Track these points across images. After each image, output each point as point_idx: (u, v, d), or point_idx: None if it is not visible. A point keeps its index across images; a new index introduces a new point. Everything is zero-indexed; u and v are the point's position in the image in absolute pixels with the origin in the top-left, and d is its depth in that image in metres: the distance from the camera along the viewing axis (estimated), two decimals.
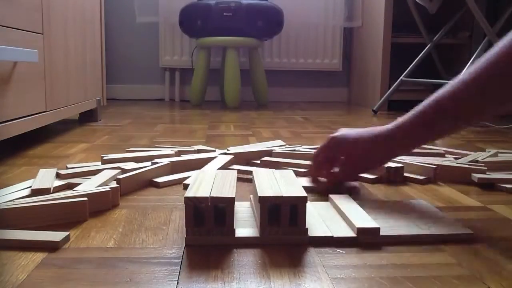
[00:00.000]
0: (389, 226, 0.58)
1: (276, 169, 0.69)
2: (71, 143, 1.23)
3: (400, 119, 0.70)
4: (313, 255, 0.52)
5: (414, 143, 0.71)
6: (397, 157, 0.98)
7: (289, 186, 0.58)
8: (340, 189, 0.76)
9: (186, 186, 0.79)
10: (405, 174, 0.88)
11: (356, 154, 0.75)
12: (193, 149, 1.07)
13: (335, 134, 0.77)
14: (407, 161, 0.94)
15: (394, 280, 0.47)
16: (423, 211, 0.63)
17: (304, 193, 0.55)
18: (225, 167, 0.92)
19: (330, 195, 0.69)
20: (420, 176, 0.87)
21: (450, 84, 0.64)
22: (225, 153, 1.00)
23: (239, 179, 0.85)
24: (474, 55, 1.88)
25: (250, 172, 0.85)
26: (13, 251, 0.52)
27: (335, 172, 0.78)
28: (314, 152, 0.80)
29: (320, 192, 0.77)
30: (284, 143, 1.18)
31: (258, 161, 0.99)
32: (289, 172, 0.66)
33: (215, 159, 0.96)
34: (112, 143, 1.24)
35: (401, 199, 0.74)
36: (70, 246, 0.55)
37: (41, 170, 0.85)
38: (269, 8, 2.35)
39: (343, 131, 0.77)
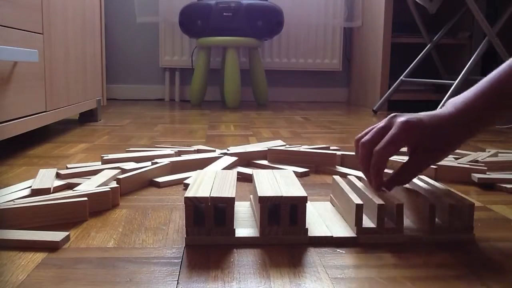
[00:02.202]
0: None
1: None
2: (71, 143, 1.23)
3: (461, 100, 0.61)
4: (313, 255, 0.52)
5: (484, 125, 0.61)
6: (398, 157, 0.98)
7: (289, 186, 0.58)
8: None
9: (186, 186, 0.79)
10: None
11: (430, 150, 0.61)
12: (193, 149, 1.07)
13: (396, 115, 0.62)
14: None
15: (394, 280, 0.47)
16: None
17: (304, 193, 0.55)
18: (229, 168, 0.92)
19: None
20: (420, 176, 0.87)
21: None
22: (225, 153, 1.00)
23: (239, 179, 0.85)
24: (474, 55, 1.88)
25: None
26: (13, 251, 0.52)
27: (399, 170, 0.63)
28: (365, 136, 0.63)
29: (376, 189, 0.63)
30: (284, 143, 1.18)
31: (262, 161, 0.99)
32: (289, 172, 0.66)
33: (219, 160, 0.96)
34: (112, 143, 1.24)
35: None
36: (70, 246, 0.55)
37: (41, 170, 0.85)
38: (269, 8, 2.35)
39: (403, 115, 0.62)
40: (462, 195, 0.57)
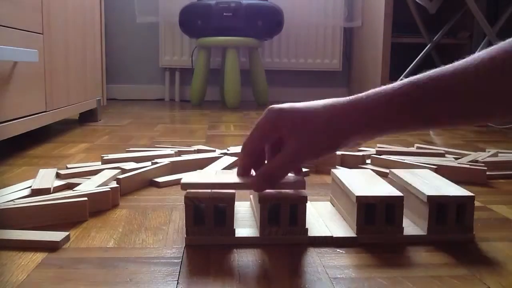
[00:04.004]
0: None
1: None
2: (71, 143, 1.23)
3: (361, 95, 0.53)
4: (313, 255, 0.52)
5: (383, 124, 0.51)
6: (398, 157, 0.98)
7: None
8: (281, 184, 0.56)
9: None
10: None
11: (306, 130, 0.53)
12: (193, 149, 1.07)
13: (273, 106, 0.55)
14: (407, 161, 0.94)
15: (394, 280, 0.47)
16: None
17: (304, 193, 0.55)
18: (229, 168, 0.92)
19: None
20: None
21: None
22: (225, 153, 1.00)
23: None
24: None
25: None
26: (13, 251, 0.52)
27: (271, 161, 0.56)
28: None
29: (250, 188, 0.58)
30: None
31: None
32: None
33: (220, 159, 0.96)
34: (112, 143, 1.24)
35: None
36: (70, 246, 0.55)
37: (41, 170, 0.85)
38: (269, 8, 2.35)
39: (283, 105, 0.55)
40: (464, 190, 0.57)
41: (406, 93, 0.50)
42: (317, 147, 0.53)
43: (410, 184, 0.61)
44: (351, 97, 0.53)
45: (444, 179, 0.64)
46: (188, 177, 0.57)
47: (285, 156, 0.54)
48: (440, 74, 0.51)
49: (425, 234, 0.57)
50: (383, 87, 0.52)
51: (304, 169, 0.92)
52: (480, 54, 0.49)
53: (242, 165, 0.57)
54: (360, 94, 0.53)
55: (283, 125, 0.54)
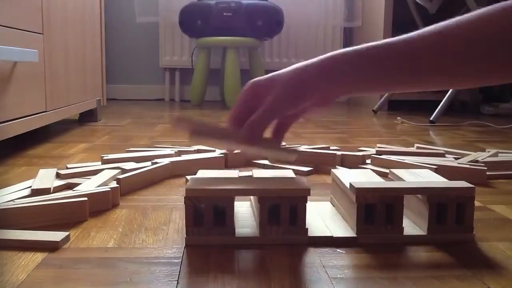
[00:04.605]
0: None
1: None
2: (71, 143, 1.23)
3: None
4: (313, 255, 0.52)
5: (360, 77, 0.55)
6: (398, 157, 0.98)
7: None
8: (275, 154, 0.61)
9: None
10: None
11: (281, 81, 0.57)
12: (193, 149, 1.07)
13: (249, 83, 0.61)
14: (407, 161, 0.94)
15: (394, 280, 0.47)
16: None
17: (304, 193, 0.55)
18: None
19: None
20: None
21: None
22: (225, 153, 1.00)
23: None
24: None
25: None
26: (13, 251, 0.52)
27: (247, 122, 0.57)
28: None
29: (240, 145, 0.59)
30: (284, 143, 1.18)
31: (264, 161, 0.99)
32: (289, 172, 0.66)
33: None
34: (112, 143, 1.24)
35: None
36: (70, 246, 0.55)
37: (41, 170, 0.85)
38: (269, 8, 2.35)
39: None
40: (464, 184, 0.57)
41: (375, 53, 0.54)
42: (288, 94, 0.56)
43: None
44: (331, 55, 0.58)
45: (444, 179, 0.64)
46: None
47: (263, 106, 0.56)
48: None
49: (425, 234, 0.57)
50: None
51: (306, 169, 0.92)
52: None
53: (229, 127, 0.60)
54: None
55: (261, 89, 0.58)
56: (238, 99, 0.61)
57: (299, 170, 0.91)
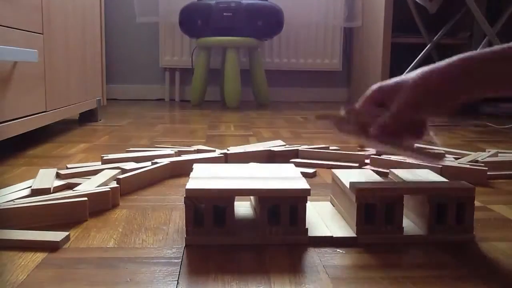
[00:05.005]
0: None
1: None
2: (71, 143, 1.23)
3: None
4: (313, 255, 0.52)
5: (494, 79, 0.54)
6: (397, 157, 0.98)
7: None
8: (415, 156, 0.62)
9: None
10: None
11: (407, 87, 0.57)
12: (193, 149, 1.07)
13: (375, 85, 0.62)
14: (407, 161, 0.94)
15: (394, 280, 0.47)
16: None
17: (304, 193, 0.55)
18: None
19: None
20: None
21: None
22: (225, 153, 1.00)
23: None
24: None
25: None
26: (13, 251, 0.52)
27: (379, 122, 0.58)
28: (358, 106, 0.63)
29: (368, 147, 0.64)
30: (284, 143, 1.18)
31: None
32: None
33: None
34: (112, 143, 1.24)
35: None
36: (70, 246, 0.55)
37: (41, 170, 0.85)
38: (269, 8, 2.35)
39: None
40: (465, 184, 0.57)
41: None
42: (413, 101, 0.57)
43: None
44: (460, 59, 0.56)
45: (444, 179, 0.64)
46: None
47: (397, 106, 0.57)
48: None
49: (425, 234, 0.57)
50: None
51: (310, 170, 0.92)
52: None
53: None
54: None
55: (387, 93, 0.60)
56: (363, 99, 0.62)
57: (305, 172, 0.91)
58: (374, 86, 0.62)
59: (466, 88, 0.56)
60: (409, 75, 0.59)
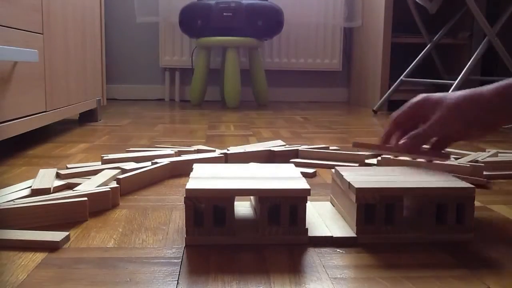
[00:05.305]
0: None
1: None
2: (71, 143, 1.23)
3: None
4: (313, 255, 0.52)
5: None
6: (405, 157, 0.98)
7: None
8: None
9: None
10: None
11: (446, 107, 0.62)
12: (193, 149, 1.07)
13: (423, 95, 0.67)
14: (416, 161, 0.94)
15: (394, 280, 0.47)
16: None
17: (304, 193, 0.55)
18: None
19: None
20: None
21: None
22: (225, 153, 1.00)
23: None
24: (474, 55, 1.88)
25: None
26: (13, 251, 0.52)
27: (412, 134, 0.65)
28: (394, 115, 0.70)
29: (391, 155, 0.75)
30: (284, 143, 1.18)
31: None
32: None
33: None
34: (112, 143, 1.24)
35: None
36: (70, 246, 0.55)
37: (41, 170, 0.85)
38: (269, 8, 2.35)
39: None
40: (466, 184, 0.57)
41: None
42: (447, 122, 0.63)
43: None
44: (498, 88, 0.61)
45: (442, 173, 0.63)
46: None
47: (427, 124, 0.64)
48: None
49: (425, 234, 0.57)
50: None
51: (310, 170, 0.92)
52: None
53: (386, 132, 0.70)
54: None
55: (429, 105, 0.65)
56: (404, 107, 0.68)
57: (305, 172, 0.91)
58: (420, 96, 0.67)
59: (507, 118, 0.60)
60: (454, 95, 0.63)
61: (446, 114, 0.62)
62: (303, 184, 0.57)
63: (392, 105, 2.33)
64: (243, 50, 2.65)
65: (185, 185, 0.55)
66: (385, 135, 0.70)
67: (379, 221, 0.56)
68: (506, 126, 0.68)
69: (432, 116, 0.64)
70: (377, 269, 0.49)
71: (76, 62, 1.47)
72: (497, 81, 0.61)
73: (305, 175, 0.90)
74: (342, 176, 0.62)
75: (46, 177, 0.80)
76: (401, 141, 0.66)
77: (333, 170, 0.68)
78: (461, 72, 1.86)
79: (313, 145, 1.20)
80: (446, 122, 0.62)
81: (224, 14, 2.29)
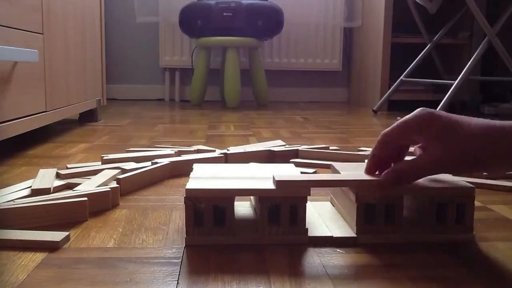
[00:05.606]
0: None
1: None
2: (71, 143, 1.23)
3: None
4: (313, 255, 0.52)
5: None
6: None
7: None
8: None
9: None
10: None
11: (455, 140, 0.49)
12: (193, 149, 1.07)
13: (426, 110, 0.52)
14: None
15: (394, 280, 0.47)
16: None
17: (304, 193, 0.55)
18: None
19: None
20: None
21: None
22: (225, 153, 1.00)
23: None
24: (474, 55, 1.88)
25: None
26: (13, 251, 0.52)
27: (410, 160, 0.54)
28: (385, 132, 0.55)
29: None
30: (284, 143, 1.18)
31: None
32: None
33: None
34: (112, 143, 1.24)
35: None
36: (70, 246, 0.55)
37: (41, 170, 0.85)
38: (269, 8, 2.35)
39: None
40: (465, 182, 0.57)
41: None
42: (464, 159, 0.50)
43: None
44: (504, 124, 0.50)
45: (443, 176, 0.63)
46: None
47: (427, 158, 0.51)
48: None
49: (424, 234, 0.57)
50: None
51: (310, 170, 0.92)
52: None
53: (373, 153, 0.57)
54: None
55: (430, 128, 0.51)
56: (402, 122, 0.53)
57: (305, 172, 0.91)
58: (425, 112, 0.52)
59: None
60: (466, 126, 0.50)
61: (452, 158, 0.50)
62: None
63: (392, 105, 2.33)
64: (243, 50, 2.65)
65: (185, 185, 0.56)
66: (371, 158, 0.57)
67: (379, 221, 0.56)
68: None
69: (433, 146, 0.51)
70: (377, 269, 0.49)
71: (76, 62, 1.47)
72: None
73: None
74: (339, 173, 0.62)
75: (46, 177, 0.80)
76: (382, 175, 0.54)
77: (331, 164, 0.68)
78: (461, 72, 1.86)
79: (313, 145, 1.20)
80: (447, 167, 0.52)
81: (224, 14, 2.29)
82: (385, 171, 0.55)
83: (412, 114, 0.53)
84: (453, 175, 0.58)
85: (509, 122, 0.49)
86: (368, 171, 0.58)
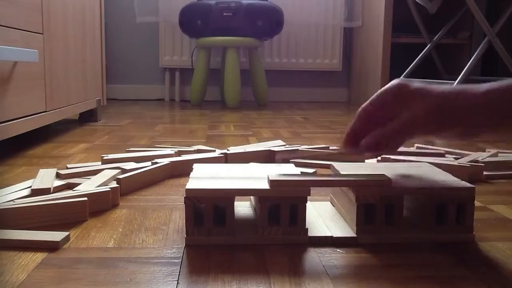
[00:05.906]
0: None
1: None
2: (71, 143, 1.23)
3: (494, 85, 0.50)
4: (313, 255, 0.52)
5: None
6: (397, 157, 0.98)
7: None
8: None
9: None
10: None
11: (435, 112, 0.51)
12: (193, 149, 1.07)
13: (400, 80, 0.55)
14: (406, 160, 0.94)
15: (394, 280, 0.47)
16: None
17: (304, 193, 0.55)
18: None
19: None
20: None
21: None
22: (225, 153, 1.00)
23: None
24: (474, 55, 1.88)
25: None
26: (13, 251, 0.52)
27: (383, 129, 0.55)
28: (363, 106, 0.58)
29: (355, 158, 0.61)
30: (284, 143, 1.18)
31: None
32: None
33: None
34: (112, 143, 1.24)
35: None
36: (70, 246, 0.55)
37: (41, 170, 0.85)
38: (269, 8, 2.35)
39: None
40: (464, 183, 0.57)
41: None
42: (435, 127, 0.52)
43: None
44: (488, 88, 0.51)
45: (442, 173, 0.63)
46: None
47: (404, 117, 0.53)
48: None
49: (425, 234, 0.57)
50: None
51: (310, 170, 0.92)
52: None
53: (352, 128, 0.58)
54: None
55: (404, 94, 0.53)
56: (374, 96, 0.57)
57: (305, 172, 0.91)
58: (394, 83, 0.55)
59: (494, 124, 0.50)
60: (437, 89, 0.52)
61: (425, 113, 0.51)
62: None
63: None
64: (243, 50, 2.65)
65: (185, 185, 0.55)
66: (350, 132, 0.58)
67: (379, 221, 0.56)
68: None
69: (406, 110, 0.53)
70: (377, 269, 0.49)
71: (76, 62, 1.47)
72: (497, 81, 0.57)
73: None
74: (339, 173, 0.62)
75: (46, 177, 0.80)
76: (363, 141, 0.55)
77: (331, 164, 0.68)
78: (461, 72, 1.86)
79: (313, 145, 1.20)
80: (424, 123, 0.52)
81: (224, 14, 2.29)
82: (365, 137, 0.56)
83: (387, 85, 0.56)
84: (446, 141, 0.58)
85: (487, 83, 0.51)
86: (345, 144, 0.59)
